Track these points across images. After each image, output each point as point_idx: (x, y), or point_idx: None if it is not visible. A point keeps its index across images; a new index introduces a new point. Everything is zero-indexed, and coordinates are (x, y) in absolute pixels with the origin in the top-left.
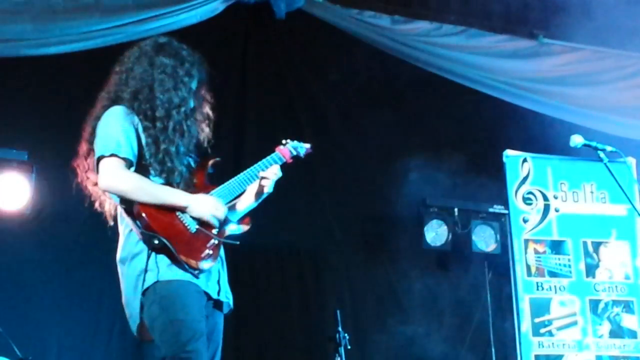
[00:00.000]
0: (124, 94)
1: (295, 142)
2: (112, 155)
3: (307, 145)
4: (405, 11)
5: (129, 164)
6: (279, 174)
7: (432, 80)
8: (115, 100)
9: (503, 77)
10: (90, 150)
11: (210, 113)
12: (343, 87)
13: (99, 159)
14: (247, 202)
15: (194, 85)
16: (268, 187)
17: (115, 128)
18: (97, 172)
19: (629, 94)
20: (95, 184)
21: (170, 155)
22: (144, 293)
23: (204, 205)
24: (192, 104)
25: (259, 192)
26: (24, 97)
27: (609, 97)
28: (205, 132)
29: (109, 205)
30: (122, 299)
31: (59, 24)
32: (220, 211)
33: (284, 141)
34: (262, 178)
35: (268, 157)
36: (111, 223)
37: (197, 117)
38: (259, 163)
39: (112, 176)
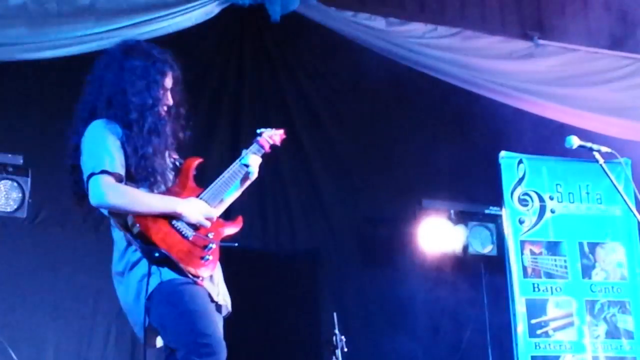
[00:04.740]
0: (99, 102)
1: (269, 129)
2: (102, 171)
3: (281, 131)
4: (400, 13)
5: (119, 178)
6: (260, 160)
7: (427, 81)
8: (92, 111)
9: (498, 78)
10: (75, 166)
11: (183, 110)
12: (338, 88)
13: (89, 176)
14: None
15: (168, 83)
16: (254, 175)
17: (101, 144)
18: (88, 189)
19: (624, 95)
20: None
21: (149, 159)
22: (149, 297)
23: (197, 209)
24: (167, 102)
25: (244, 179)
26: (19, 101)
27: (605, 98)
28: (184, 129)
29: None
30: (123, 307)
31: (54, 28)
32: (212, 214)
33: (259, 131)
34: (247, 167)
35: (249, 149)
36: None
37: (175, 114)
38: (241, 158)
39: (104, 193)
